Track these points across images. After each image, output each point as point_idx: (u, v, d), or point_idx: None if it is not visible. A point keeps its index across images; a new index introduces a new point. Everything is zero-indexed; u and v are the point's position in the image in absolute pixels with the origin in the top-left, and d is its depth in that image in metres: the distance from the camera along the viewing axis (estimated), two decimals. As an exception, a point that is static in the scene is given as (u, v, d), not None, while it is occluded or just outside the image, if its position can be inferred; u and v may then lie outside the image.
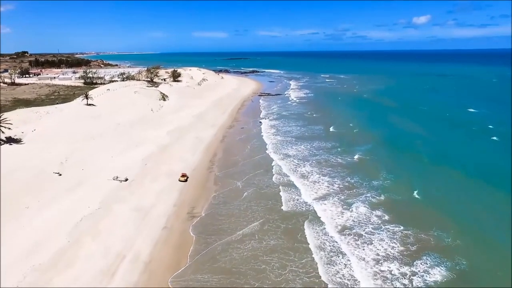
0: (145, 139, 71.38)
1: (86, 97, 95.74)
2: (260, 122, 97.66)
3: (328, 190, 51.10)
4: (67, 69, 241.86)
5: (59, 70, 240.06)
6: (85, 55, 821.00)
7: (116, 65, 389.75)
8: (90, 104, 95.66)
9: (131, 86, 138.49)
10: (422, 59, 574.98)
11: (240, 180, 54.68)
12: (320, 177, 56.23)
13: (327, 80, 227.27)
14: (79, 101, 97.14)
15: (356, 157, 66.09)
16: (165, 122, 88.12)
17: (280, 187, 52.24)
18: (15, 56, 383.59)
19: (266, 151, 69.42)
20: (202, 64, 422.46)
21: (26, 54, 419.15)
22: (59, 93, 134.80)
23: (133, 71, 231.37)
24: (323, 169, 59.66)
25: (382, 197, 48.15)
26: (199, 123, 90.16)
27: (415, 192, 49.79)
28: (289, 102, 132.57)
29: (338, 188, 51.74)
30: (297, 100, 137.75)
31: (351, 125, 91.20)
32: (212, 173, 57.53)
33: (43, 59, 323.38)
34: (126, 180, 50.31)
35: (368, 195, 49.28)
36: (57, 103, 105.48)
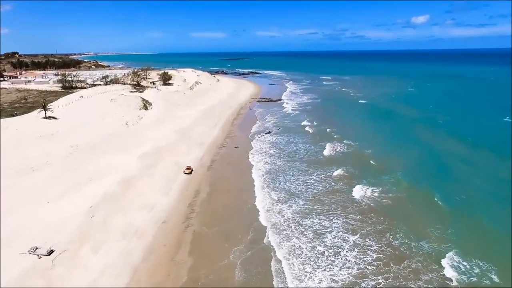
0: (106, 168, 53.55)
1: (44, 108, 77.78)
2: (259, 137, 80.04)
3: (361, 269, 33.24)
4: (50, 71, 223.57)
5: (42, 72, 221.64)
6: (83, 55, 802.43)
7: (108, 66, 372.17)
8: (50, 117, 77.88)
9: (110, 92, 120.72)
10: (425, 59, 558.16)
11: (233, 245, 36.68)
12: (345, 236, 38.43)
13: (330, 82, 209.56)
14: (36, 114, 79.16)
15: (386, 195, 48.53)
16: (139, 140, 70.25)
17: (291, 268, 34.45)
18: (3, 57, 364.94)
19: (267, 191, 51.55)
20: (199, 64, 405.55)
21: (16, 55, 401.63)
22: (26, 100, 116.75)
23: (122, 73, 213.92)
24: (348, 220, 41.87)
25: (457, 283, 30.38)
26: (183, 142, 72.34)
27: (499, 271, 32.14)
28: (291, 111, 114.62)
29: (376, 262, 33.91)
30: (301, 108, 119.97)
31: (366, 143, 73.26)
32: (189, 230, 39.70)
33: (29, 61, 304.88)
34: (50, 253, 32.43)
35: (428, 275, 31.62)
36: (15, 115, 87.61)
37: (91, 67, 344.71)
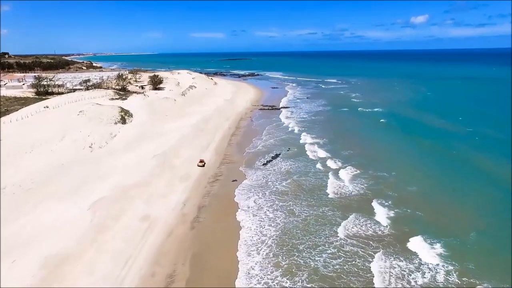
0: (32, 233, 34.74)
1: (-20, 128, 58.97)
2: (264, 164, 61.35)
3: None
4: (31, 74, 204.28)
5: (22, 75, 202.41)
6: (81, 56, 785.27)
7: (100, 67, 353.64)
8: (-12, 139, 59.10)
9: (86, 100, 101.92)
10: (427, 59, 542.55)
11: None
12: None
13: (336, 86, 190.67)
14: (-30, 134, 60.25)
15: (465, 278, 30.10)
16: (102, 173, 51.39)
17: None
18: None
19: (277, 275, 32.79)
20: (197, 65, 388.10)
21: (6, 55, 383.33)
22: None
23: (112, 75, 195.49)
24: None
25: None
26: (162, 174, 53.55)
27: None
28: (300, 124, 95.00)
29: None
30: (311, 119, 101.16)
31: (408, 176, 54.56)
32: None
33: (14, 61, 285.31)
34: None
35: None
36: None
37: (83, 68, 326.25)
